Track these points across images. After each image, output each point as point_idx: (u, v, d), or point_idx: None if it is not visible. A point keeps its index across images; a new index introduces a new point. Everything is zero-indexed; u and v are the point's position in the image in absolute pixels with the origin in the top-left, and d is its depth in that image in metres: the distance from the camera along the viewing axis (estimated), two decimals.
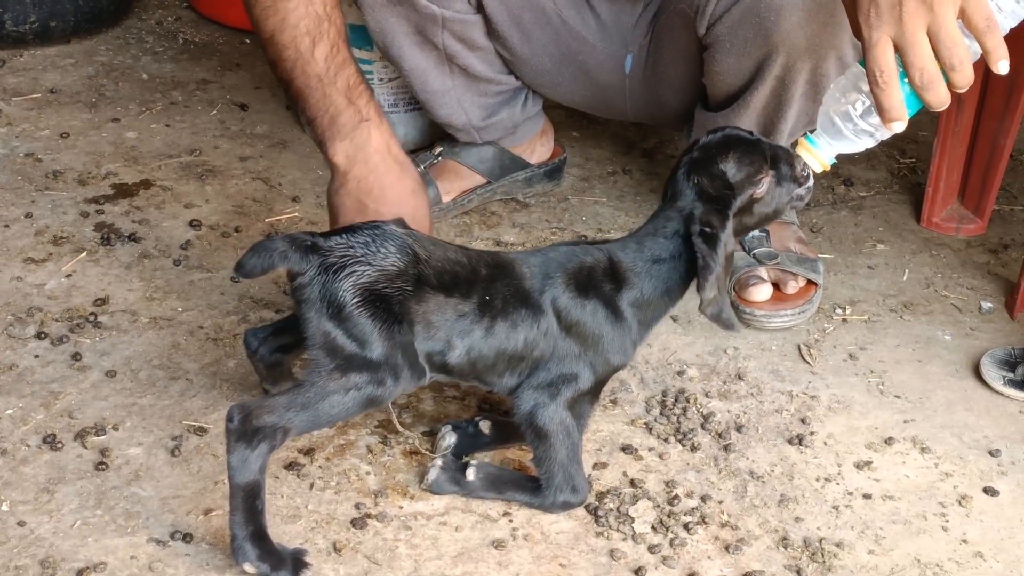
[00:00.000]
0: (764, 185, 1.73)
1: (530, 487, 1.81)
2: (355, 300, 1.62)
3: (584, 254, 1.78)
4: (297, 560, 1.66)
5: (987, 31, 1.60)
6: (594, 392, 1.81)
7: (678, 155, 1.85)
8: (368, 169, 1.94)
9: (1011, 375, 2.12)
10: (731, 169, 1.72)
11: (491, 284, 1.73)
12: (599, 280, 1.76)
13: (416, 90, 2.41)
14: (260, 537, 1.63)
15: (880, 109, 1.64)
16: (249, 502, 1.62)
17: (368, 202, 1.94)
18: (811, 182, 1.78)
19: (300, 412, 1.64)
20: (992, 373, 2.13)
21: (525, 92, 2.49)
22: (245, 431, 1.61)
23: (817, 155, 1.74)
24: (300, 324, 1.66)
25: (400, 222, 1.75)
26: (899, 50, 1.62)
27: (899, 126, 1.65)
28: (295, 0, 1.91)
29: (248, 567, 1.63)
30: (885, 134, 1.70)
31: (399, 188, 1.96)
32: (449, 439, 1.88)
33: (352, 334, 1.63)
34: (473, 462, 1.83)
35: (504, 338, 1.73)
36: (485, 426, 1.90)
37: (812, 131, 1.75)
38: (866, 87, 1.66)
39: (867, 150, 1.74)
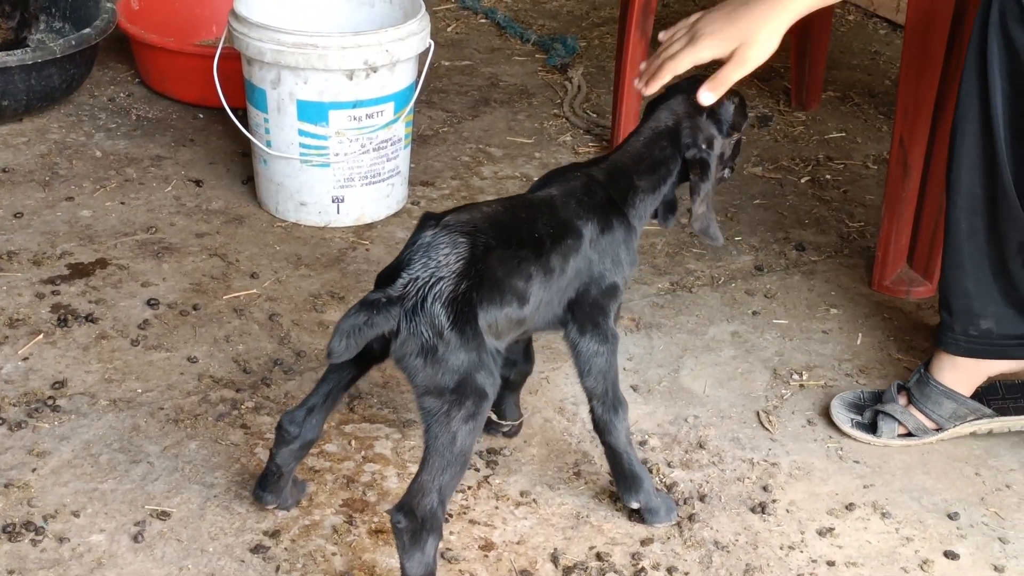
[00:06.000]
0: (742, 136, 1.94)
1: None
2: (450, 317, 1.64)
3: (591, 172, 1.86)
4: None
5: None
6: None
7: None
8: None
9: (859, 418, 2.18)
10: (737, 107, 1.90)
11: (533, 224, 1.76)
12: (610, 196, 1.84)
13: None
14: None
15: None
16: None
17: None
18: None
19: (446, 471, 1.66)
20: (841, 416, 2.18)
21: None
22: (415, 528, 1.64)
23: None
24: (408, 377, 1.68)
25: (431, 218, 1.73)
26: None
27: None
28: None
29: None
30: None
31: None
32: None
33: (451, 363, 1.64)
34: None
35: (559, 273, 1.77)
36: None
37: None
38: None
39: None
